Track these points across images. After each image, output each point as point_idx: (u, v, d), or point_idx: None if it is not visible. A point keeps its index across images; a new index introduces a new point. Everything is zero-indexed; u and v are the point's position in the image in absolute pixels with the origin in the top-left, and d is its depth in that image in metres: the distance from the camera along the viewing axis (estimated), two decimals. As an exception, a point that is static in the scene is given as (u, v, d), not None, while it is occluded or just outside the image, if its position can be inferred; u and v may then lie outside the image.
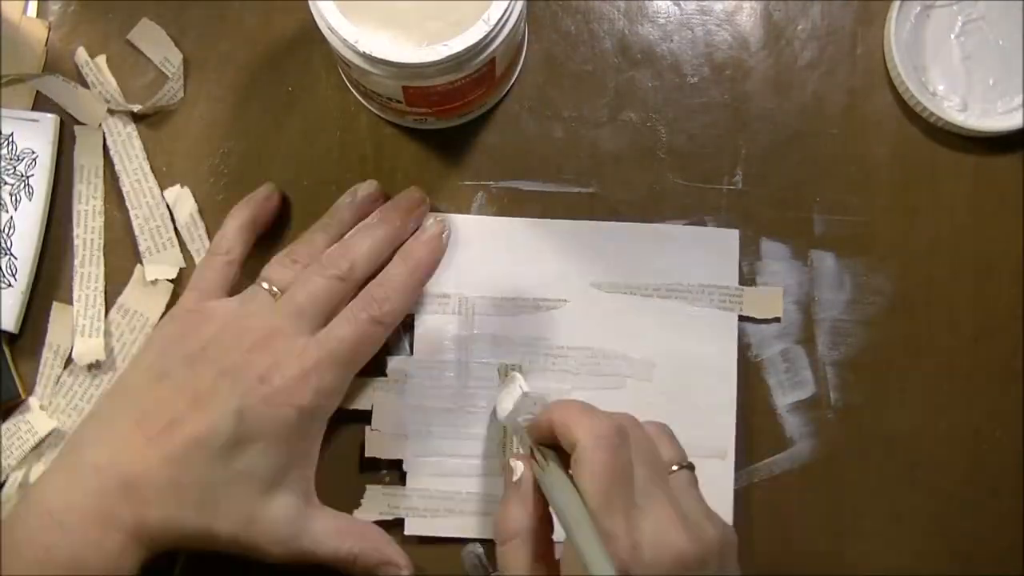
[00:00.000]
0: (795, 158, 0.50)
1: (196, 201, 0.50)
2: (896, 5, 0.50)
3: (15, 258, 0.49)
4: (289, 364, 0.43)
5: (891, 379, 0.49)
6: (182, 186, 0.50)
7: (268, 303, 0.45)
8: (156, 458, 0.41)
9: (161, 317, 0.49)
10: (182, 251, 0.50)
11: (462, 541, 0.48)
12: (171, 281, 0.49)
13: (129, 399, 0.43)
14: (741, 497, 0.48)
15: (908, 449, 0.49)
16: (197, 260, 0.50)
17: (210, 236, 0.50)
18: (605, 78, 0.51)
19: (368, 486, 0.48)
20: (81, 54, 0.51)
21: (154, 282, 0.49)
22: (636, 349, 0.49)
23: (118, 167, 0.50)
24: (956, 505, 0.49)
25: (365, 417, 0.48)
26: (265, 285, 0.45)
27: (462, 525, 0.48)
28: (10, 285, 0.49)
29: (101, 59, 0.51)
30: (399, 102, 0.47)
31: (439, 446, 0.48)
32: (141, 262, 0.50)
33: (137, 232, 0.50)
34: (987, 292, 0.50)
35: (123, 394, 0.44)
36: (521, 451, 0.44)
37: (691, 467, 0.42)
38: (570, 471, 0.39)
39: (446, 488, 0.48)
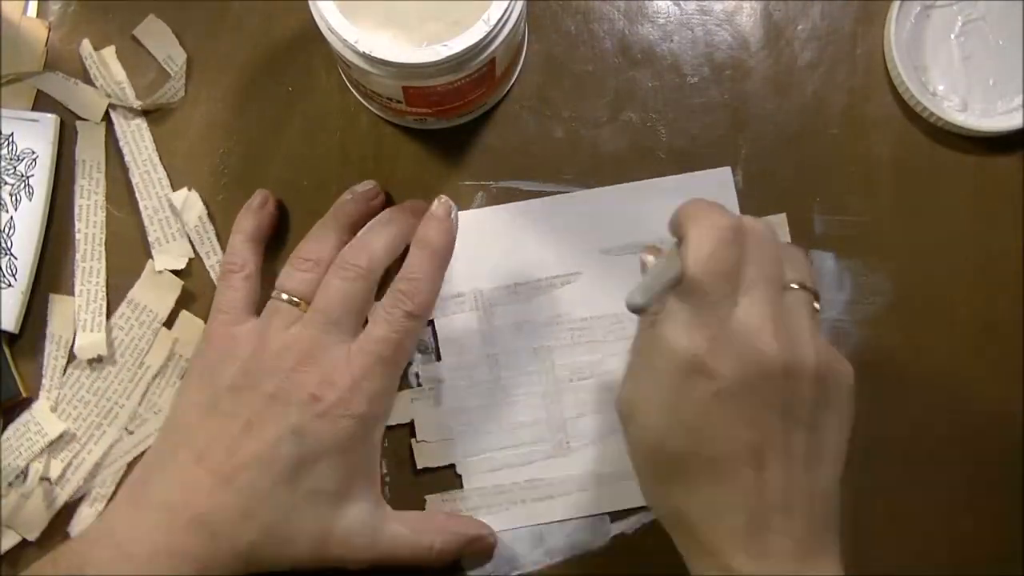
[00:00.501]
0: (795, 158, 0.50)
1: (204, 203, 0.50)
2: (896, 5, 0.50)
3: (15, 258, 0.49)
4: (338, 376, 0.43)
5: (891, 379, 0.49)
6: (189, 189, 0.50)
7: (293, 315, 0.44)
8: (222, 491, 0.41)
9: (171, 314, 0.49)
10: (193, 253, 0.50)
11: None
12: (179, 273, 0.49)
13: (185, 434, 0.43)
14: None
15: (908, 449, 0.49)
16: (208, 263, 0.50)
17: (219, 239, 0.50)
18: (605, 78, 0.51)
19: (427, 497, 0.48)
20: (86, 46, 0.51)
21: (162, 272, 0.49)
22: None
23: (128, 158, 0.50)
24: (956, 505, 0.49)
25: (409, 430, 0.49)
26: (284, 296, 0.45)
27: (525, 514, 0.48)
28: (10, 285, 0.49)
29: (109, 51, 0.51)
30: (399, 102, 0.47)
31: (486, 442, 0.48)
32: (151, 256, 0.50)
33: (146, 223, 0.50)
34: (987, 292, 0.50)
35: (177, 430, 0.44)
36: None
37: (815, 293, 0.40)
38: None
39: (502, 482, 0.48)
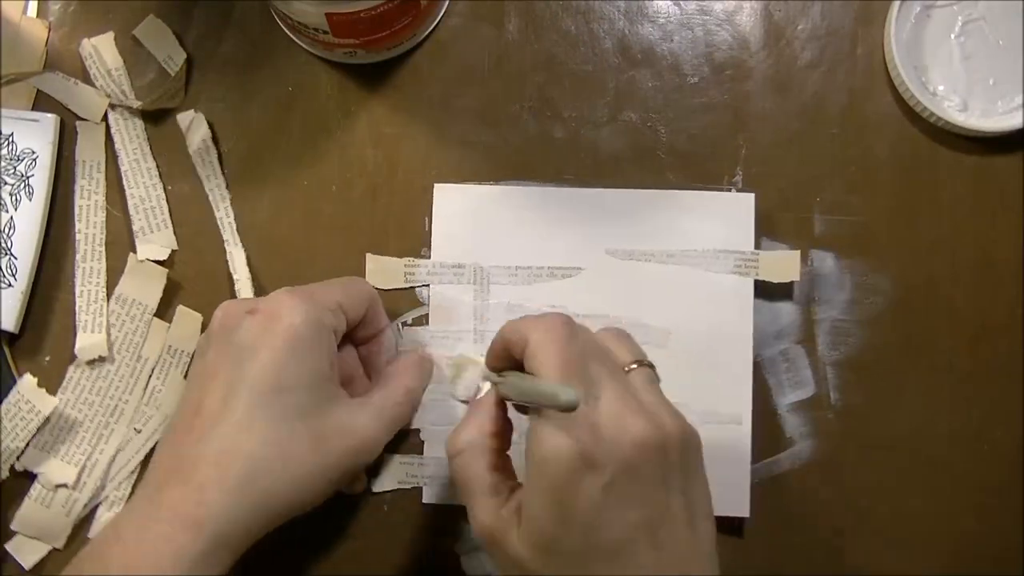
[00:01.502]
0: (795, 158, 0.50)
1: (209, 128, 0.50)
2: (896, 5, 0.50)
3: (15, 258, 0.49)
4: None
5: (891, 379, 0.49)
6: (196, 111, 0.50)
7: None
8: (185, 445, 0.40)
9: (160, 303, 0.49)
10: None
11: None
12: (163, 263, 0.50)
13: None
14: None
15: (908, 449, 0.49)
16: (207, 187, 0.50)
17: (221, 162, 0.50)
18: (605, 78, 0.51)
19: (386, 455, 0.48)
20: (86, 45, 0.51)
21: (144, 262, 0.49)
22: (651, 316, 0.49)
23: (118, 146, 0.50)
24: (956, 505, 0.49)
25: None
26: None
27: None
28: (10, 285, 0.49)
29: (110, 50, 0.51)
30: (326, 32, 0.47)
31: (456, 414, 0.48)
32: (135, 249, 0.50)
33: (132, 212, 0.50)
34: (987, 292, 0.50)
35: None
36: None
37: (651, 366, 0.41)
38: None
39: None
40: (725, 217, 0.49)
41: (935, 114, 0.49)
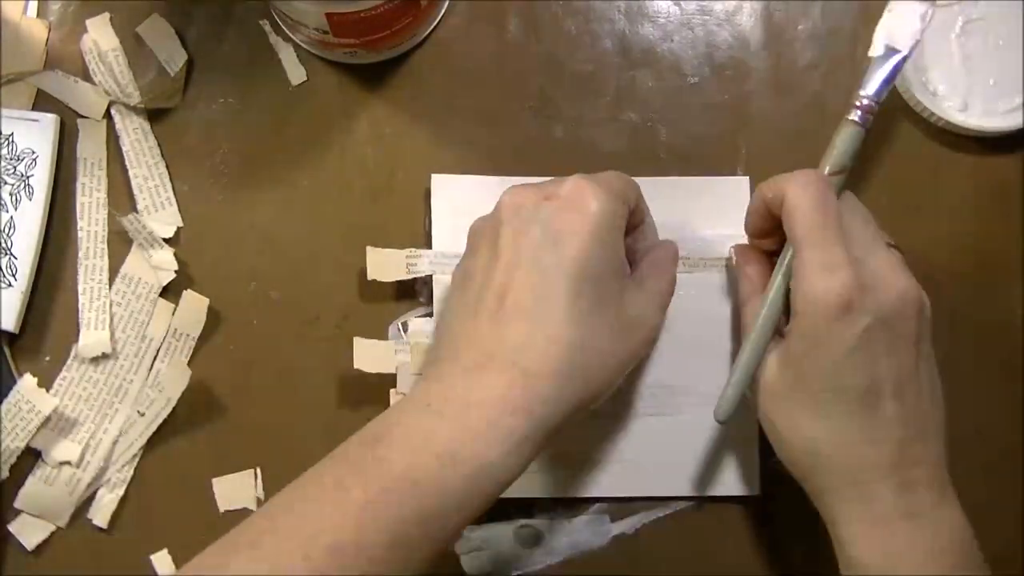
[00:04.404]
0: (795, 158, 0.50)
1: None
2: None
3: (15, 258, 0.49)
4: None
5: (891, 379, 0.49)
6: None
7: None
8: (498, 330, 0.40)
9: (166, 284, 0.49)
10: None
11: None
12: (168, 241, 0.50)
13: (456, 298, 0.43)
14: (741, 497, 0.48)
15: (908, 449, 0.49)
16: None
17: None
18: (605, 78, 0.51)
19: None
20: (86, 41, 0.51)
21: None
22: None
23: (118, 125, 0.50)
24: (956, 505, 0.49)
25: (390, 380, 0.48)
26: None
27: None
28: (10, 285, 0.49)
29: (111, 47, 0.51)
30: (325, 32, 0.47)
31: None
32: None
33: (136, 191, 0.50)
34: (987, 292, 0.50)
35: (451, 297, 0.44)
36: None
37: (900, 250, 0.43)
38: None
39: None
40: (721, 202, 0.49)
41: (935, 114, 0.49)
